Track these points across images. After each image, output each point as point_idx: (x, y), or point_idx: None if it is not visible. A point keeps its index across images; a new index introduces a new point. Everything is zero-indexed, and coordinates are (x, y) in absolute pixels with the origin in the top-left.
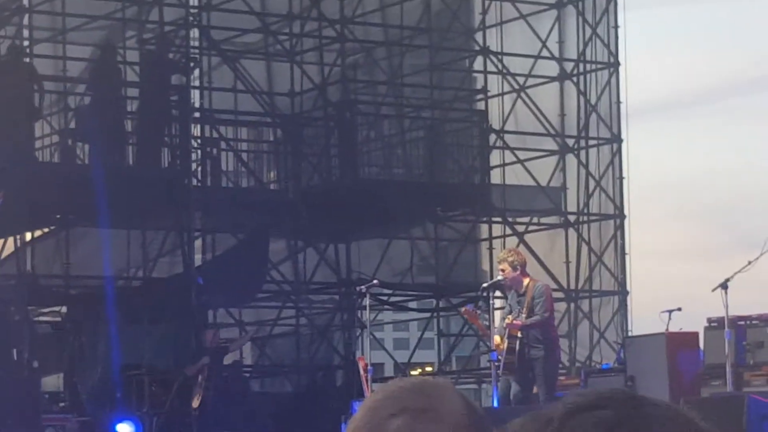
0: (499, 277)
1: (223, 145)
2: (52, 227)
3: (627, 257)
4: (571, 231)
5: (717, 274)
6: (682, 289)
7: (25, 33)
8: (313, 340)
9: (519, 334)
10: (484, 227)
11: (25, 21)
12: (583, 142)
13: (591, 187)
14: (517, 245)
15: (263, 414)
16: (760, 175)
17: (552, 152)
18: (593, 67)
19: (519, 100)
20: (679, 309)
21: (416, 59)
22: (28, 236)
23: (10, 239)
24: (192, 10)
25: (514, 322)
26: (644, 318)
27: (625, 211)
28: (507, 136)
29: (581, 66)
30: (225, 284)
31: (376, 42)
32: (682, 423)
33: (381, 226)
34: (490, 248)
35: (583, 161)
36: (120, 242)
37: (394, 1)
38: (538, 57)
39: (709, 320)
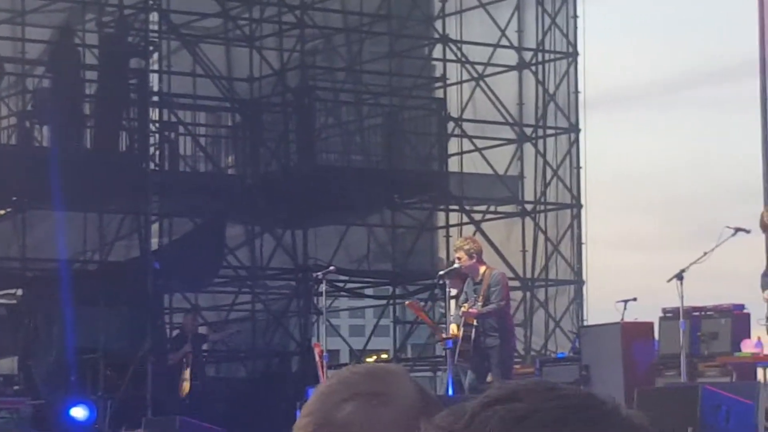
0: (456, 265)
1: (181, 129)
2: (8, 209)
3: (583, 247)
4: (528, 220)
5: (673, 264)
6: (638, 279)
7: None
8: (269, 326)
9: (475, 323)
10: (441, 215)
11: None
12: (540, 132)
13: (548, 177)
14: (474, 233)
15: (218, 399)
16: (718, 166)
17: (510, 141)
18: (552, 56)
19: (477, 89)
20: (635, 299)
21: (376, 46)
22: None
23: None
24: None
25: (470, 310)
26: (600, 308)
27: (582, 201)
28: (465, 125)
29: (540, 55)
30: (182, 269)
31: (336, 28)
32: (595, 412)
33: (338, 213)
34: (447, 236)
35: (541, 150)
36: (77, 225)
37: None
38: (497, 46)
39: (664, 310)
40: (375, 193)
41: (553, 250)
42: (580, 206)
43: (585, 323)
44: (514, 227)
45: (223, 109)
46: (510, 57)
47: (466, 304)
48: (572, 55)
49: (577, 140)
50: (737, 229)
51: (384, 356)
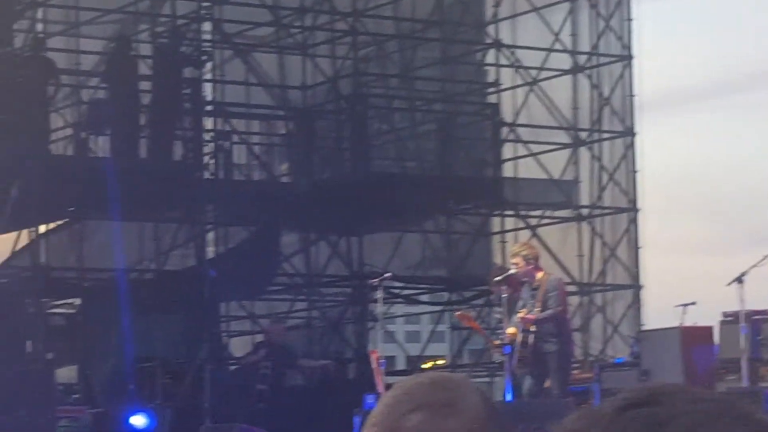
0: (512, 271)
1: (235, 138)
2: (65, 220)
3: (641, 251)
4: (584, 224)
5: (732, 268)
6: (697, 283)
7: (39, 26)
8: (325, 333)
9: (533, 328)
10: (496, 220)
11: (39, 14)
12: (596, 135)
13: (604, 181)
14: (530, 239)
15: (275, 407)
16: None
17: (565, 145)
18: (606, 60)
19: (531, 93)
20: (694, 303)
21: (428, 52)
22: (42, 229)
23: (24, 232)
24: (204, 4)
25: (528, 316)
26: (658, 312)
27: (639, 205)
28: (519, 129)
29: (594, 59)
30: (237, 277)
31: (388, 35)
32: (736, 418)
33: (393, 219)
34: (503, 242)
35: (596, 154)
36: (133, 235)
37: None
38: (550, 50)
39: (725, 314)
40: (429, 200)
41: (610, 254)
42: (636, 210)
43: (644, 328)
44: (569, 232)
45: (277, 117)
46: (564, 61)
47: (523, 310)
48: (627, 57)
49: (632, 143)
50: None
51: (440, 362)
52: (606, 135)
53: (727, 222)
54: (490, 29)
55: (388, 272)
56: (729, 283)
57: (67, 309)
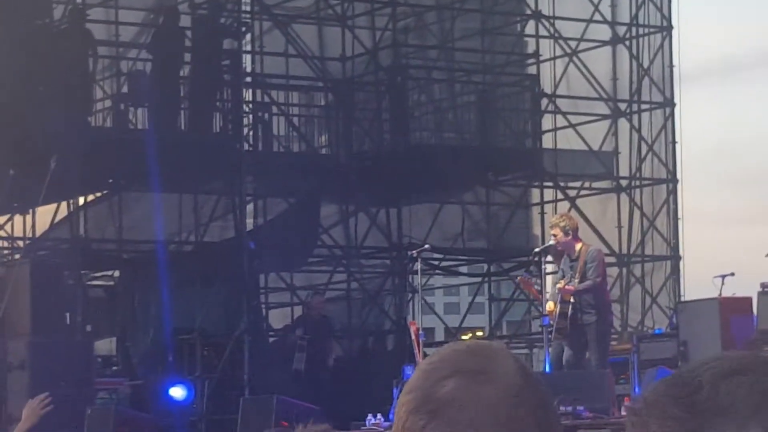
0: (552, 242)
1: (274, 109)
2: (104, 192)
3: (679, 222)
4: (623, 195)
5: None
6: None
7: None
8: (364, 305)
9: (571, 299)
10: (536, 192)
11: None
12: (635, 107)
13: (643, 152)
14: (569, 210)
15: (313, 379)
16: None
17: (604, 116)
18: (646, 30)
19: (571, 65)
20: (732, 274)
21: (467, 23)
22: (81, 201)
23: (63, 204)
24: None
25: (567, 287)
26: (697, 283)
27: (678, 176)
28: (559, 101)
29: (634, 30)
30: (276, 249)
31: (428, 6)
32: None
33: (432, 191)
34: (542, 213)
35: (636, 125)
36: (172, 207)
37: None
38: (590, 21)
39: (763, 285)
40: (469, 171)
41: (649, 225)
42: (676, 181)
43: (682, 299)
44: (609, 203)
45: (316, 89)
46: (603, 32)
47: (562, 281)
48: (666, 28)
49: (672, 114)
50: None
51: (479, 333)
52: (645, 106)
53: (766, 192)
54: (530, 0)
55: (427, 244)
56: (767, 254)
57: (106, 281)
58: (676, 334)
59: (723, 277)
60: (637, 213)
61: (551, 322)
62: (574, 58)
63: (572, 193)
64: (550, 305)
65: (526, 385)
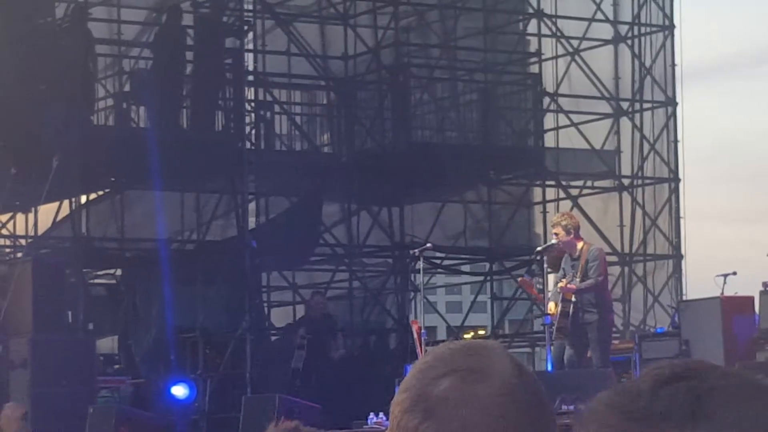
0: (553, 241)
1: (276, 108)
2: (106, 190)
3: (682, 221)
4: (625, 194)
5: None
6: (738, 253)
7: None
8: (366, 304)
9: (573, 298)
10: (538, 191)
11: None
12: (637, 105)
13: (645, 151)
14: (571, 209)
15: (316, 378)
16: None
17: (606, 115)
18: (648, 29)
19: (573, 63)
20: (735, 273)
21: (470, 22)
22: (83, 199)
23: (65, 202)
24: None
25: (568, 285)
26: (699, 282)
27: (680, 175)
28: (561, 99)
29: (636, 29)
30: (279, 247)
31: (430, 5)
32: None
33: (434, 190)
34: (544, 212)
35: (638, 124)
36: (174, 205)
37: None
38: (592, 20)
39: (765, 284)
40: (471, 170)
41: (651, 224)
42: (678, 180)
43: (684, 298)
44: (611, 202)
45: (318, 88)
46: (606, 31)
47: (563, 280)
48: (668, 27)
49: (674, 113)
50: None
51: (481, 332)
52: (647, 105)
53: None
54: None
55: (429, 242)
56: None
57: (108, 279)
58: (678, 333)
59: (725, 276)
60: (639, 212)
61: (553, 321)
62: (576, 57)
63: (574, 192)
64: (551, 305)
65: (521, 384)
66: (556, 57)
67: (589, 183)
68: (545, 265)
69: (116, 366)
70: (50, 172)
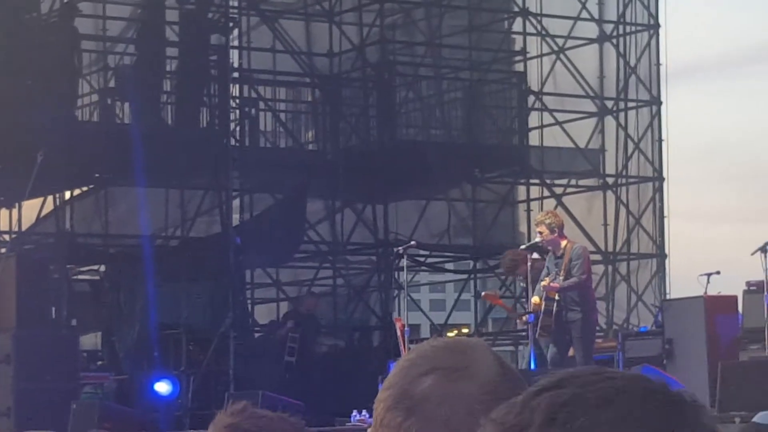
0: (537, 240)
1: (261, 105)
2: (91, 186)
3: (665, 220)
4: (609, 193)
5: (757, 237)
6: (721, 252)
7: None
8: (350, 301)
9: (556, 297)
10: (522, 189)
11: None
12: (622, 104)
13: (630, 150)
14: (555, 207)
15: (300, 375)
16: None
17: (591, 114)
18: (633, 28)
19: (558, 62)
20: (718, 272)
21: (455, 20)
22: (68, 195)
23: (50, 198)
24: None
25: (552, 284)
26: (683, 281)
27: (664, 174)
28: (545, 98)
29: (621, 28)
30: (263, 244)
31: (415, 2)
32: (639, 392)
33: (419, 187)
34: (528, 210)
35: (622, 123)
36: (158, 201)
37: None
38: (577, 18)
39: (748, 284)
40: (455, 168)
41: (635, 223)
42: (662, 179)
43: (668, 297)
44: (595, 201)
45: (303, 85)
46: (590, 30)
47: (547, 279)
48: (653, 27)
49: (659, 113)
50: None
51: (465, 330)
52: (632, 104)
53: (751, 191)
54: None
55: (413, 240)
56: (753, 253)
57: (92, 275)
58: (661, 332)
59: (708, 275)
60: (623, 211)
61: (536, 319)
62: (561, 56)
63: (558, 190)
64: (535, 299)
65: (504, 381)
66: (541, 55)
67: (573, 182)
68: (529, 263)
69: (99, 362)
70: (34, 168)
